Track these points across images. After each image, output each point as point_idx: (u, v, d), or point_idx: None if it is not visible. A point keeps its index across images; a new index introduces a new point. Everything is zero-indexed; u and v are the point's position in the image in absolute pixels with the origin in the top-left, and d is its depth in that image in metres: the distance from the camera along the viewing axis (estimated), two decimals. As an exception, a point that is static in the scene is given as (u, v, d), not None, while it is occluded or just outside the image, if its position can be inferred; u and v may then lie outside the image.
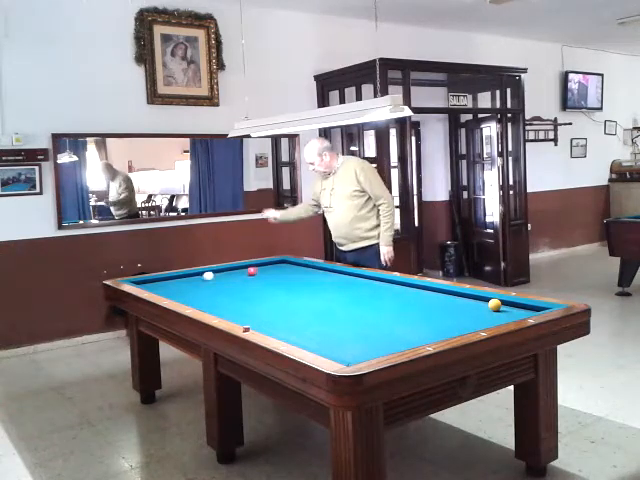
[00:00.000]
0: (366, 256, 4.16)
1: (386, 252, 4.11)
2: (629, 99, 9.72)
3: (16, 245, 5.07)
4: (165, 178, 8.75)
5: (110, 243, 5.45)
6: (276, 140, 6.70)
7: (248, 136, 4.78)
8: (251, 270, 4.11)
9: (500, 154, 6.96)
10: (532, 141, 8.13)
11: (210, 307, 3.07)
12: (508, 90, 6.96)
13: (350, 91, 6.17)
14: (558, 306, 2.78)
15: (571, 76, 8.81)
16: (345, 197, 4.11)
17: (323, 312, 3.11)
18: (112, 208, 6.63)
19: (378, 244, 4.14)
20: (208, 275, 3.98)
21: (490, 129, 7.11)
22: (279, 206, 6.66)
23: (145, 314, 3.52)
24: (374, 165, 6.34)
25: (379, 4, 4.22)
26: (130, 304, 3.69)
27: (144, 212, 8.21)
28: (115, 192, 6.75)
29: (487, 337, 2.39)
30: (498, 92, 6.97)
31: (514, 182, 7.05)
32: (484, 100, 7.31)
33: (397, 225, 4.01)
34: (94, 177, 7.29)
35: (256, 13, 5.95)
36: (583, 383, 3.89)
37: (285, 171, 6.82)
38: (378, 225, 4.15)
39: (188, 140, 6.72)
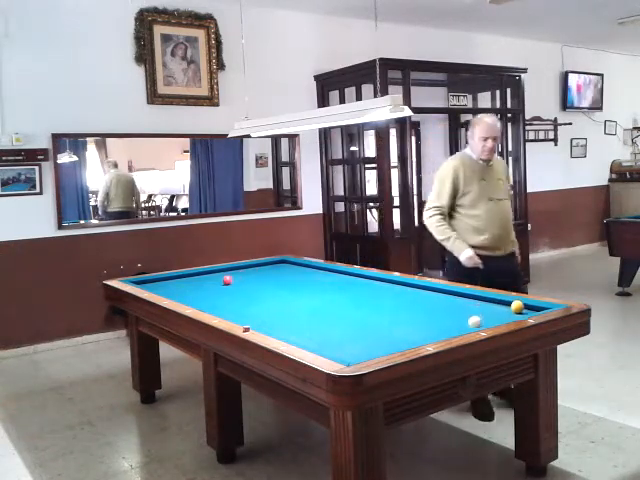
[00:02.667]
0: (515, 262, 3.73)
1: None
2: (629, 99, 9.72)
3: (16, 245, 5.07)
4: (165, 178, 8.74)
5: (110, 243, 5.45)
6: (276, 140, 6.70)
7: (248, 136, 4.78)
8: (227, 278, 3.81)
9: (500, 154, 6.95)
10: (532, 141, 8.13)
11: (210, 307, 3.07)
12: (508, 90, 6.95)
13: (350, 91, 6.17)
14: (558, 306, 2.78)
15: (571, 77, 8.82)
16: (506, 191, 3.72)
17: (323, 312, 3.11)
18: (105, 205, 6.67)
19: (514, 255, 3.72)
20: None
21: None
22: (279, 206, 6.68)
23: (145, 314, 3.52)
24: (373, 165, 6.41)
25: (379, 4, 4.21)
26: (130, 304, 3.69)
27: (144, 212, 8.21)
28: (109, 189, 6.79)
29: (487, 337, 2.39)
30: (498, 92, 6.96)
31: (514, 182, 7.03)
32: (484, 100, 7.30)
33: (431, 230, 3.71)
34: (94, 177, 7.29)
35: (256, 13, 5.95)
36: (583, 383, 3.89)
37: (285, 171, 6.82)
38: None
39: (188, 140, 6.72)
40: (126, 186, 6.96)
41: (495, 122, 3.53)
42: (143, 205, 8.49)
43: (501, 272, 3.46)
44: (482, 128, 3.49)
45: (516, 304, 2.77)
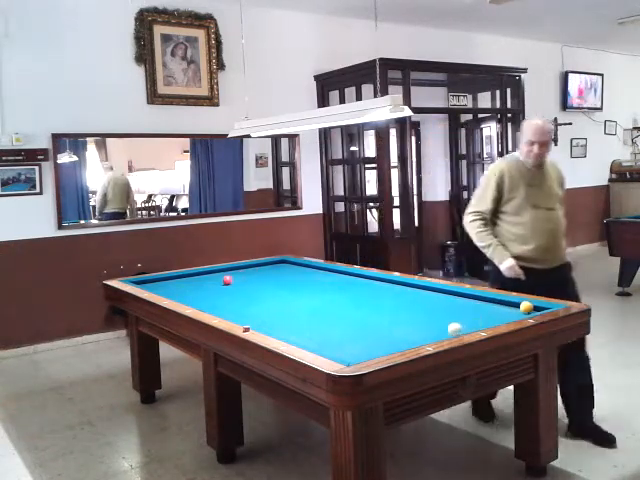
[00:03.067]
0: (569, 273, 3.39)
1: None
2: (629, 99, 9.72)
3: (16, 245, 5.07)
4: (165, 178, 8.75)
5: (110, 243, 5.45)
6: (276, 140, 6.70)
7: (248, 136, 4.78)
8: (227, 278, 3.83)
9: (500, 154, 6.96)
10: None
11: (210, 307, 3.07)
12: (508, 90, 6.96)
13: (350, 91, 6.17)
14: (558, 306, 2.78)
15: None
16: (559, 199, 3.35)
17: (323, 312, 3.11)
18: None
19: (569, 265, 3.40)
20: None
21: (490, 129, 7.11)
22: (279, 206, 6.68)
23: (145, 314, 3.52)
24: (373, 165, 6.41)
25: (379, 4, 4.21)
26: (130, 304, 3.69)
27: (144, 212, 8.22)
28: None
29: (487, 337, 2.39)
30: (498, 92, 6.97)
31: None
32: (484, 100, 7.30)
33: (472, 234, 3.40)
34: (94, 177, 7.29)
35: (256, 13, 5.95)
36: (583, 383, 3.88)
37: (285, 171, 6.83)
38: None
39: (188, 140, 6.72)
40: (122, 189, 7.05)
41: (545, 125, 3.24)
42: (143, 205, 8.51)
43: (547, 285, 3.12)
44: (529, 131, 3.22)
45: (525, 305, 2.77)
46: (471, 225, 3.32)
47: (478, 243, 3.33)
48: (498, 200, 3.26)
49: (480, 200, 3.32)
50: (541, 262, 3.20)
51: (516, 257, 3.19)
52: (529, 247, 3.19)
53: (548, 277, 3.19)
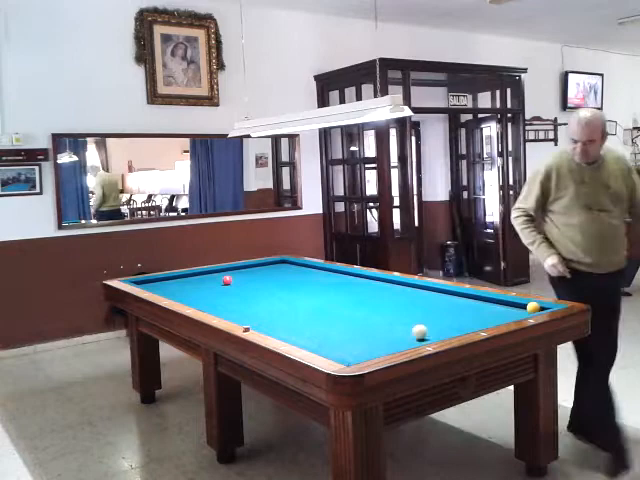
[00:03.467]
0: (620, 281, 3.37)
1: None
2: (629, 99, 9.72)
3: (16, 245, 5.07)
4: (165, 178, 8.76)
5: (110, 243, 5.45)
6: (276, 140, 6.70)
7: (248, 136, 4.78)
8: (227, 278, 3.83)
9: (500, 154, 6.96)
10: (532, 141, 8.12)
11: (210, 307, 3.07)
12: (508, 90, 6.96)
13: (350, 91, 6.18)
14: (558, 306, 2.78)
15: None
16: (619, 199, 3.02)
17: (323, 312, 3.11)
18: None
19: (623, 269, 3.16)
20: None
21: (490, 129, 7.11)
22: (279, 206, 6.68)
23: (145, 314, 3.52)
24: (373, 165, 6.40)
25: (379, 4, 4.22)
26: (130, 304, 3.69)
27: (144, 212, 8.23)
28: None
29: (487, 337, 2.39)
30: (498, 92, 6.97)
31: (514, 182, 7.04)
32: (484, 100, 7.31)
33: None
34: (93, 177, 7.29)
35: (256, 13, 5.95)
36: (583, 383, 3.88)
37: (285, 171, 6.83)
38: None
39: (188, 140, 6.73)
40: (114, 187, 7.14)
41: (589, 122, 2.86)
42: (143, 205, 8.54)
43: (597, 290, 2.96)
44: (571, 129, 2.93)
45: (532, 305, 2.77)
46: (516, 221, 3.16)
47: (524, 240, 3.17)
48: (545, 198, 3.04)
49: (525, 197, 3.13)
50: (591, 266, 2.98)
51: (566, 259, 3.01)
52: (578, 250, 2.96)
53: (598, 282, 2.99)
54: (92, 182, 7.05)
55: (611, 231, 2.98)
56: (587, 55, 9.02)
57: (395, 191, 6.26)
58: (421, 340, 2.42)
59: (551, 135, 8.67)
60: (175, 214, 7.73)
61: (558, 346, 2.78)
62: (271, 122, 3.72)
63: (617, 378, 4.02)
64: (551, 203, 3.04)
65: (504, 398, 3.35)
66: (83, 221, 6.01)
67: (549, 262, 3.02)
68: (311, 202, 6.58)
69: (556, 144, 8.70)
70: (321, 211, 6.69)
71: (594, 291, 2.95)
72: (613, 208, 2.97)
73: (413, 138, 6.23)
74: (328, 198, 6.68)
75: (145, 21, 5.50)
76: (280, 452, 3.18)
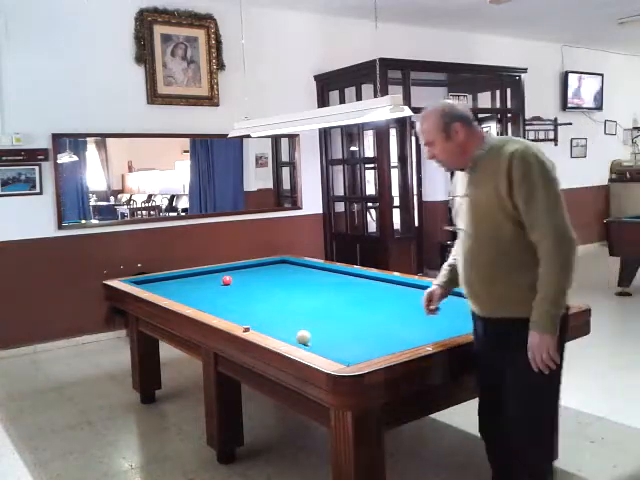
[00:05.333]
0: (512, 340, 2.10)
1: (536, 347, 2.02)
2: (629, 99, 9.72)
3: (16, 245, 5.07)
4: (165, 178, 8.76)
5: (110, 243, 5.45)
6: (276, 140, 6.70)
7: (248, 136, 4.78)
8: (226, 278, 3.82)
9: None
10: (532, 141, 8.13)
11: (210, 307, 3.07)
12: (508, 90, 6.95)
13: (350, 91, 6.17)
14: (558, 306, 2.78)
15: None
16: (482, 213, 2.13)
17: (323, 312, 3.11)
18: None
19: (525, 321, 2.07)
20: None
21: (490, 129, 7.11)
22: (279, 206, 6.68)
23: (145, 314, 3.52)
24: (373, 165, 6.39)
25: (379, 4, 4.21)
26: (130, 304, 3.69)
27: (144, 212, 8.24)
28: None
29: (487, 337, 2.38)
30: (498, 92, 6.97)
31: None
32: (484, 100, 7.30)
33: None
34: (94, 177, 7.30)
35: (256, 13, 5.95)
36: (583, 383, 3.89)
37: (285, 171, 6.83)
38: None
39: (188, 140, 6.73)
40: None
41: (420, 122, 2.25)
42: (143, 205, 8.54)
43: (482, 341, 2.28)
44: None
45: None
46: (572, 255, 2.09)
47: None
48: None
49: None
50: (470, 303, 2.29)
51: None
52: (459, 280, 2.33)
53: (483, 330, 2.25)
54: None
55: (471, 260, 2.19)
56: (587, 55, 9.03)
57: (395, 191, 6.25)
58: (304, 345, 2.40)
59: (551, 135, 8.68)
60: (175, 214, 7.73)
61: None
62: (271, 122, 3.72)
63: (617, 378, 4.03)
64: None
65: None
66: (83, 221, 6.01)
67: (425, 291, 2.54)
68: (311, 202, 6.58)
69: (556, 144, 8.71)
70: (321, 211, 6.69)
71: (476, 342, 2.32)
72: (473, 229, 2.16)
73: (413, 138, 6.22)
74: (328, 198, 6.68)
75: (145, 21, 5.50)
76: (280, 452, 3.18)
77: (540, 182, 2.03)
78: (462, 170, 2.26)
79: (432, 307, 2.47)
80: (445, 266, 2.52)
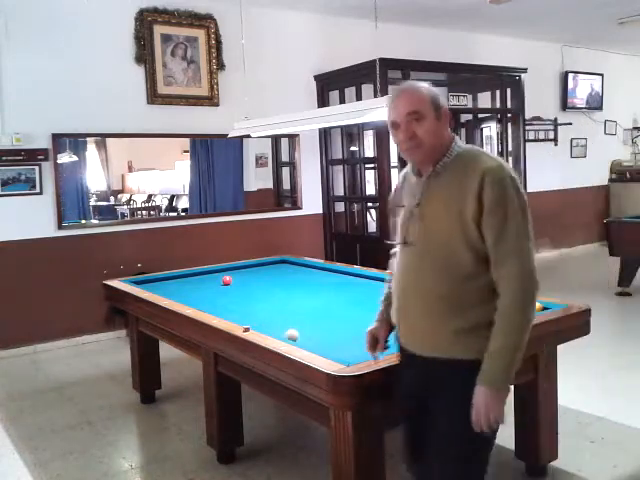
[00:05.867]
0: (453, 384, 1.83)
1: (484, 404, 1.74)
2: (629, 99, 9.72)
3: (16, 245, 5.06)
4: (165, 178, 8.76)
5: (110, 243, 5.45)
6: (276, 140, 6.70)
7: (248, 136, 4.78)
8: (226, 278, 3.82)
9: (500, 154, 6.96)
10: (532, 141, 8.13)
11: (210, 307, 3.07)
12: (508, 90, 6.95)
13: (350, 91, 6.17)
14: (558, 306, 2.78)
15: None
16: (438, 235, 1.82)
17: (323, 312, 3.11)
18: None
19: (476, 365, 1.77)
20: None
21: (490, 129, 7.11)
22: (279, 206, 6.68)
23: (145, 314, 3.52)
24: (373, 165, 6.39)
25: (379, 4, 4.21)
26: (130, 304, 3.69)
27: (144, 212, 8.24)
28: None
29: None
30: (498, 92, 6.96)
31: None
32: (484, 100, 7.30)
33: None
34: (94, 177, 7.29)
35: (256, 13, 5.95)
36: (583, 383, 3.89)
37: (285, 171, 6.83)
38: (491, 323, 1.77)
39: (188, 140, 6.73)
40: None
41: (408, 89, 1.85)
42: (143, 205, 8.54)
43: (406, 391, 1.99)
44: (388, 110, 1.88)
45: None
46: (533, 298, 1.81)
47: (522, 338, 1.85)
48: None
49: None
50: (404, 339, 1.95)
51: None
52: (394, 309, 1.99)
53: (419, 370, 1.90)
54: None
55: (418, 285, 1.86)
56: (587, 55, 9.03)
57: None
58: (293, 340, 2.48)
59: (551, 135, 8.68)
60: (175, 214, 7.73)
61: (558, 346, 2.78)
62: (271, 122, 3.72)
63: (617, 378, 4.03)
64: None
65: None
66: (83, 221, 6.01)
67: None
68: (311, 202, 6.58)
69: (556, 144, 8.71)
70: (321, 211, 6.69)
71: (406, 386, 2.00)
72: (423, 249, 1.84)
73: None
74: (328, 198, 6.68)
75: (145, 21, 5.50)
76: (280, 452, 3.18)
77: (515, 212, 1.73)
78: (419, 175, 1.89)
79: (378, 349, 2.09)
80: (383, 299, 2.14)
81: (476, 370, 1.75)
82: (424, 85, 1.86)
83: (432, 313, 1.83)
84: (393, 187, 2.10)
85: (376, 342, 2.10)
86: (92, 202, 7.55)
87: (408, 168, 2.00)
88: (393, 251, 2.06)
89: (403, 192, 1.98)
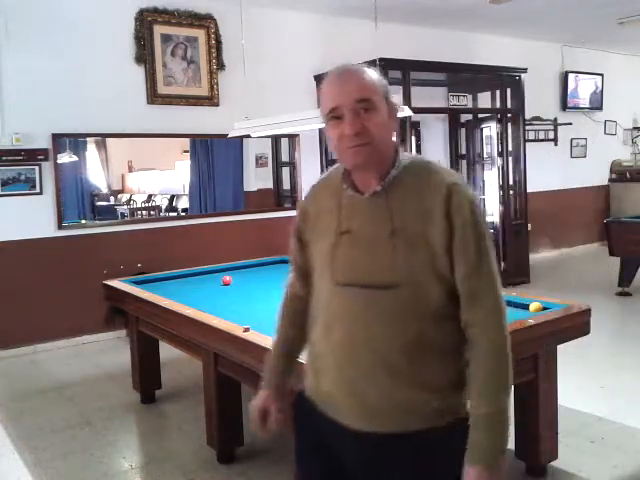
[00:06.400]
0: (410, 463, 1.37)
1: None
2: (629, 99, 9.72)
3: (16, 245, 5.07)
4: (165, 178, 8.76)
5: (110, 243, 5.45)
6: (276, 140, 6.70)
7: (248, 136, 4.78)
8: (226, 278, 3.82)
9: (500, 154, 6.96)
10: (532, 141, 8.13)
11: (210, 307, 3.07)
12: (508, 90, 6.96)
13: (350, 91, 6.16)
14: (558, 306, 2.78)
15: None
16: (394, 268, 1.36)
17: (323, 312, 3.10)
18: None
19: (458, 434, 1.35)
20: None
21: (490, 129, 7.11)
22: (279, 206, 6.68)
23: (145, 314, 3.52)
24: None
25: (379, 4, 4.22)
26: (130, 304, 3.69)
27: (144, 212, 8.25)
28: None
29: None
30: (498, 92, 6.97)
31: (514, 182, 7.05)
32: (484, 100, 7.31)
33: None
34: (94, 177, 7.29)
35: (256, 13, 5.95)
36: (583, 383, 3.89)
37: (285, 171, 6.83)
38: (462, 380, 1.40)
39: (188, 140, 6.73)
40: None
41: (352, 71, 1.39)
42: (143, 205, 8.55)
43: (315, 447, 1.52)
44: (322, 98, 1.42)
45: (535, 305, 2.77)
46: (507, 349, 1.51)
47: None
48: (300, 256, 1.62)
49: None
50: (340, 409, 1.41)
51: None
52: (319, 367, 1.50)
53: (355, 453, 1.42)
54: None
55: (368, 340, 1.37)
56: (587, 55, 9.03)
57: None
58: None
59: (551, 135, 8.68)
60: (175, 214, 7.73)
61: (558, 346, 2.78)
62: (271, 122, 3.72)
63: (617, 378, 4.03)
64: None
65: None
66: (83, 221, 6.02)
67: (254, 401, 1.64)
68: (311, 202, 6.57)
69: (556, 144, 8.71)
70: (321, 211, 6.68)
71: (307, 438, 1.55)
72: (373, 287, 1.37)
73: (413, 138, 6.22)
74: (328, 198, 6.66)
75: (145, 21, 5.50)
76: (280, 452, 3.17)
77: (487, 237, 1.38)
78: (356, 191, 1.42)
79: (271, 424, 1.60)
80: (276, 348, 1.72)
81: (453, 435, 1.36)
82: (374, 70, 1.41)
83: (394, 372, 1.35)
84: (300, 205, 1.58)
85: (264, 419, 1.60)
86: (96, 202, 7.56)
87: (329, 180, 1.52)
88: (291, 282, 1.70)
89: (329, 214, 1.46)
